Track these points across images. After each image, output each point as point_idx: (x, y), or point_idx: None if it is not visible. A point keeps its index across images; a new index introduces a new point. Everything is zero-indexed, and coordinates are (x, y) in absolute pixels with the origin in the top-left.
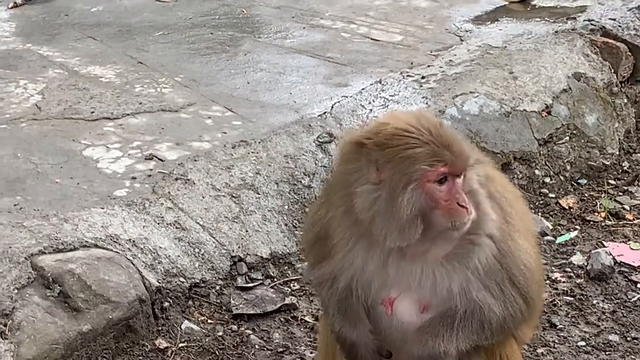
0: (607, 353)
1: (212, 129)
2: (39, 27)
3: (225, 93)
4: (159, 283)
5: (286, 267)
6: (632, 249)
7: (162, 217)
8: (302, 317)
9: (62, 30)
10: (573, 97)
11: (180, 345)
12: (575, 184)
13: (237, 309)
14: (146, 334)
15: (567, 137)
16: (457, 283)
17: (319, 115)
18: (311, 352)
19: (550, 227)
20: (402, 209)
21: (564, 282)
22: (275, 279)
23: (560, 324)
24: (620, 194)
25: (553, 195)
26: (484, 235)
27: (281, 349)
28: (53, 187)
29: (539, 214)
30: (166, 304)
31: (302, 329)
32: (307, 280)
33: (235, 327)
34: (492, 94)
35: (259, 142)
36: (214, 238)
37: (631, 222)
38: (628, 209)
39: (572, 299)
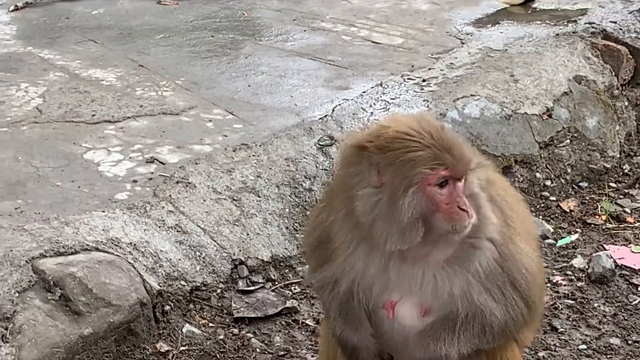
0: (609, 356)
1: (213, 132)
2: (40, 30)
3: (226, 96)
4: (160, 286)
5: (287, 271)
6: (633, 251)
7: (163, 220)
8: (303, 320)
9: (63, 33)
10: (574, 100)
11: (182, 348)
12: (576, 187)
13: (238, 312)
14: (147, 338)
15: (568, 140)
16: (458, 286)
17: (320, 119)
18: (312, 356)
19: (551, 230)
20: (403, 212)
21: (565, 285)
22: (276, 282)
23: (561, 327)
24: (621, 196)
25: (554, 198)
26: (485, 238)
27: (282, 353)
28: (54, 191)
29: (540, 217)
30: (167, 307)
31: (303, 333)
32: (308, 284)
33: (236, 331)
34: (493, 97)
35: (260, 145)
36: (215, 241)
37: (632, 225)
38: (629, 211)
39: (573, 302)
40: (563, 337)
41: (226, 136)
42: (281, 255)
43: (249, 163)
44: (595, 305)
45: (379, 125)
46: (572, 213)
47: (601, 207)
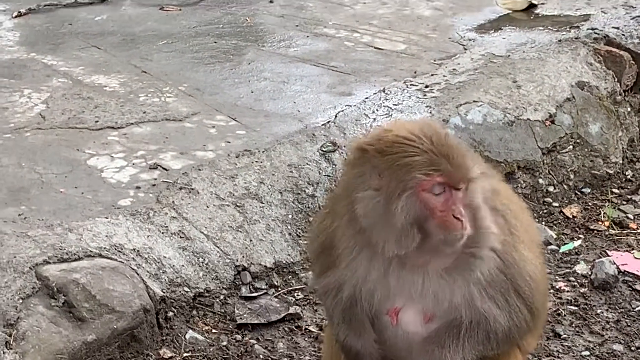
0: None
1: (216, 138)
2: (43, 36)
3: (229, 102)
4: (164, 293)
5: (290, 277)
6: (636, 258)
7: (167, 226)
8: (307, 326)
9: (66, 39)
10: (577, 106)
11: (185, 355)
12: (579, 193)
13: (241, 318)
14: (150, 344)
15: (571, 146)
16: (459, 294)
17: (322, 125)
18: None
19: (554, 236)
20: (397, 216)
21: (568, 291)
22: (279, 289)
23: (565, 334)
24: (624, 202)
25: (557, 204)
26: (485, 248)
27: (285, 359)
28: (57, 197)
29: (543, 223)
30: (170, 313)
31: (306, 339)
32: (312, 290)
33: (239, 337)
34: (496, 103)
35: (263, 152)
36: (218, 247)
37: (635, 231)
38: (632, 217)
39: (576, 308)
40: (566, 344)
41: (229, 142)
42: (284, 262)
43: (252, 169)
44: (598, 311)
45: (382, 129)
46: (575, 219)
47: (604, 213)
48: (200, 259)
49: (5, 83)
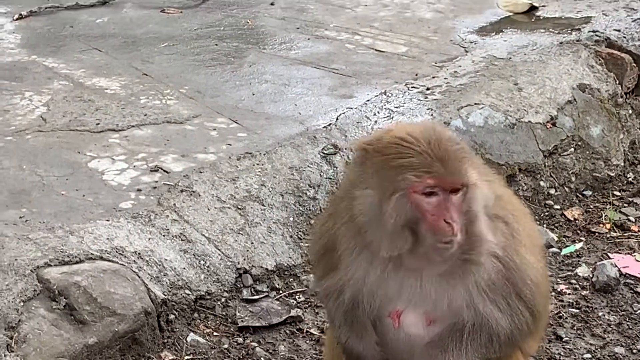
0: None
1: (217, 140)
2: (44, 39)
3: (230, 105)
4: (165, 295)
5: (291, 279)
6: (637, 260)
7: (168, 229)
8: (308, 329)
9: (67, 41)
10: (578, 108)
11: (186, 357)
12: (580, 196)
13: (242, 321)
14: (152, 347)
15: (572, 149)
16: (460, 298)
17: (324, 127)
18: None
19: (556, 238)
20: (387, 217)
21: (569, 294)
22: (281, 291)
23: (566, 336)
24: (626, 205)
25: (558, 207)
26: (480, 256)
27: None
28: (58, 199)
29: (544, 225)
30: (172, 316)
31: (307, 342)
32: (313, 293)
33: (240, 340)
34: (497, 106)
35: (264, 154)
36: (219, 250)
37: (636, 234)
38: (633, 220)
39: (577, 311)
40: (568, 346)
41: (230, 145)
42: (285, 264)
43: (253, 172)
44: (600, 314)
45: (384, 129)
46: (577, 222)
47: (605, 215)
48: (202, 262)
49: (7, 85)
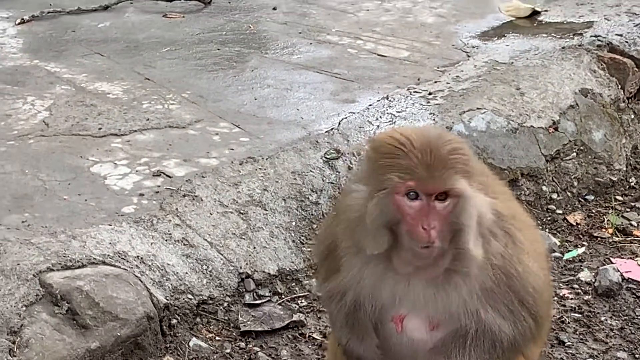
0: None
1: (219, 145)
2: (46, 43)
3: (233, 109)
4: (167, 300)
5: (294, 284)
6: (639, 265)
7: (170, 233)
8: (310, 334)
9: (70, 46)
10: (580, 113)
11: None
12: (582, 200)
13: (245, 326)
14: (154, 351)
15: (574, 153)
16: (460, 305)
17: (326, 132)
18: None
19: (558, 243)
20: (369, 214)
21: (571, 298)
22: (283, 296)
23: (568, 341)
24: (628, 210)
25: (560, 212)
26: (469, 267)
27: None
28: (61, 204)
29: (547, 230)
30: (174, 321)
31: (310, 346)
32: (316, 297)
33: (243, 344)
34: (499, 110)
35: (267, 159)
36: (221, 255)
37: (639, 239)
38: (635, 225)
39: (580, 315)
40: (570, 351)
41: (233, 149)
42: (288, 269)
43: (256, 176)
44: (602, 318)
45: (389, 130)
46: (579, 226)
47: (608, 220)
48: (204, 266)
49: (9, 90)
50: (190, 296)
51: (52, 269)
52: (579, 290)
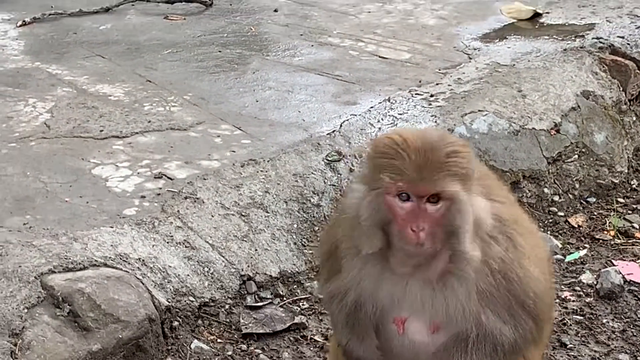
0: None
1: (221, 147)
2: (48, 46)
3: (234, 111)
4: (169, 302)
5: (295, 286)
6: None
7: (172, 236)
8: (312, 336)
9: (71, 48)
10: (582, 115)
11: None
12: (584, 203)
13: (246, 328)
14: (156, 354)
15: (576, 156)
16: (456, 308)
17: (327, 134)
18: None
19: (560, 245)
20: (363, 213)
21: (573, 301)
22: (285, 298)
23: (570, 343)
24: (630, 212)
25: (562, 214)
26: (464, 270)
27: None
28: (62, 206)
29: (548, 232)
30: (176, 323)
31: (311, 349)
32: (317, 300)
33: (244, 347)
34: (501, 113)
35: (268, 161)
36: (223, 257)
37: None
38: (637, 227)
39: (581, 318)
40: (572, 353)
41: (234, 152)
42: (289, 271)
43: (257, 178)
44: (604, 321)
45: (392, 131)
46: (581, 228)
47: (609, 222)
48: (206, 269)
49: (10, 92)
50: (191, 298)
51: (53, 271)
52: (581, 293)
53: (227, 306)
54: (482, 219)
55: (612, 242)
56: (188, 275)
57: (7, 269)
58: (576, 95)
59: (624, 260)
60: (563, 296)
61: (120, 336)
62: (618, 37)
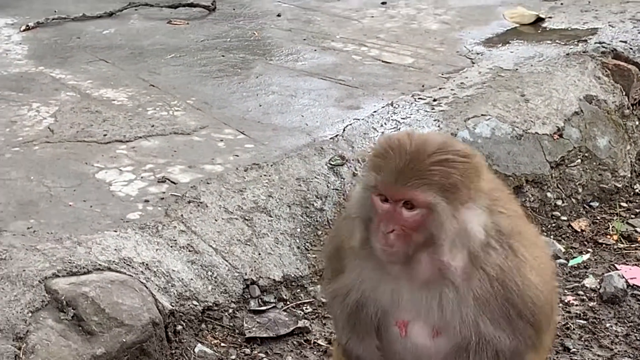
0: None
1: (224, 151)
2: (51, 50)
3: (237, 116)
4: (172, 306)
5: (299, 290)
6: None
7: (175, 240)
8: (315, 340)
9: (74, 52)
10: (585, 119)
11: None
12: (587, 207)
13: (250, 332)
14: (159, 358)
15: (579, 160)
16: (453, 314)
17: (330, 138)
18: None
19: (563, 250)
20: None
21: (576, 305)
22: (288, 302)
23: (574, 348)
24: (633, 216)
25: (565, 218)
26: (447, 279)
27: None
28: (66, 210)
29: (551, 236)
30: (179, 327)
31: (315, 353)
32: (321, 302)
33: (248, 351)
34: (504, 117)
35: (271, 165)
36: (226, 261)
37: None
38: None
39: (585, 322)
40: (575, 358)
41: (237, 156)
42: (293, 275)
43: (261, 183)
44: (607, 325)
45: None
46: (584, 233)
47: (612, 226)
48: (209, 273)
49: (14, 97)
50: (195, 302)
51: (57, 275)
52: (584, 297)
53: (230, 310)
54: (471, 231)
55: (615, 247)
56: (192, 279)
57: (12, 273)
58: (579, 100)
59: (627, 264)
60: (566, 300)
61: (124, 340)
62: (621, 41)
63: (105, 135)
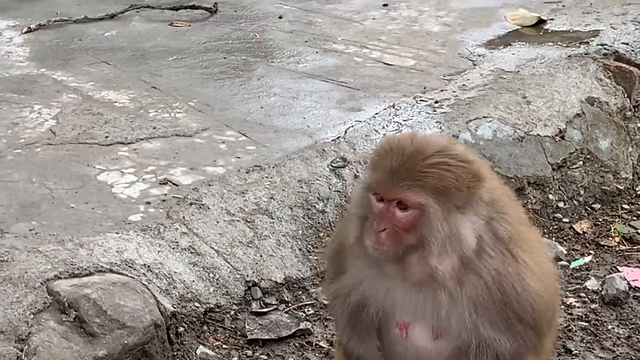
0: None
1: (226, 153)
2: (53, 52)
3: (239, 118)
4: (174, 308)
5: (300, 292)
6: None
7: (177, 242)
8: (317, 342)
9: (76, 55)
10: (586, 121)
11: None
12: (589, 209)
13: (251, 334)
14: (161, 359)
15: (581, 162)
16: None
17: (332, 140)
18: None
19: (564, 252)
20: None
21: (578, 307)
22: (290, 304)
23: (576, 350)
24: (634, 218)
25: (567, 220)
26: (436, 281)
27: None
28: (68, 212)
29: (553, 239)
30: (181, 329)
31: (317, 355)
32: (323, 304)
33: (250, 353)
34: (506, 119)
35: (273, 167)
36: (228, 263)
37: None
38: None
39: (587, 324)
40: None
41: (239, 158)
42: (294, 277)
43: (262, 185)
44: (609, 327)
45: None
46: (585, 235)
47: (614, 228)
48: (211, 275)
49: (16, 99)
50: (197, 304)
51: (59, 277)
52: (586, 299)
53: (232, 312)
54: (463, 236)
55: (617, 249)
56: (193, 281)
57: (14, 274)
58: (581, 102)
59: (629, 266)
60: (568, 302)
61: (126, 342)
62: (622, 43)
63: (107, 137)
